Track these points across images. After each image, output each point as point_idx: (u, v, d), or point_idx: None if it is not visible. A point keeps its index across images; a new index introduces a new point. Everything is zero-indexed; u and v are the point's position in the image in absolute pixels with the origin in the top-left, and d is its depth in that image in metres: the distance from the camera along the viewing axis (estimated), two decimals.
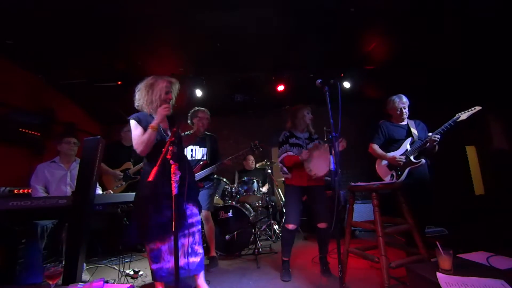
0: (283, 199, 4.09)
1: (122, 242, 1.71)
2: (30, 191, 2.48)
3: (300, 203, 2.34)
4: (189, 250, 1.83)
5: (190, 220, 1.86)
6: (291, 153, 2.35)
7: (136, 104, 1.88)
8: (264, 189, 3.75)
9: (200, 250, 1.89)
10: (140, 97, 1.87)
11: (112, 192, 2.99)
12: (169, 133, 1.89)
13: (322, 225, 2.25)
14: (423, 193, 2.30)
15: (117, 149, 3.48)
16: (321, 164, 2.19)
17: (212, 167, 2.70)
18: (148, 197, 1.73)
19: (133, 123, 1.81)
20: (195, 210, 1.93)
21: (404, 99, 2.47)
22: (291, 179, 2.38)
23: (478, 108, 2.19)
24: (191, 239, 1.86)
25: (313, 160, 2.22)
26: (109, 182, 3.26)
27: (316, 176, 2.20)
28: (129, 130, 3.57)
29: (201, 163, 2.72)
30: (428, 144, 2.24)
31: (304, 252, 3.03)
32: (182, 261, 1.77)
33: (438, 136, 2.21)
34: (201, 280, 1.89)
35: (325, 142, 2.43)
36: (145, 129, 1.77)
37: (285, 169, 2.43)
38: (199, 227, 1.94)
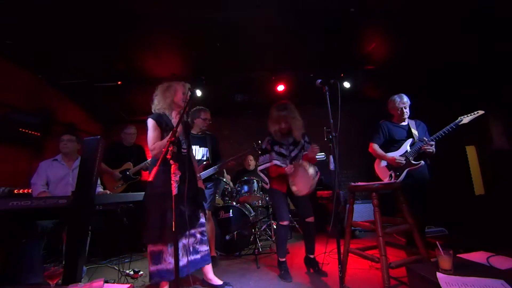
0: None
1: (143, 241, 1.79)
2: (30, 191, 2.48)
3: (286, 201, 2.39)
4: (191, 249, 1.93)
5: (200, 221, 2.01)
6: (278, 162, 2.35)
7: (155, 108, 1.98)
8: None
9: (203, 248, 2.00)
10: (159, 101, 1.97)
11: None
12: (183, 137, 2.00)
13: (310, 219, 2.31)
14: (422, 194, 2.31)
15: (118, 149, 3.48)
16: (303, 182, 2.17)
17: (215, 168, 2.69)
18: (161, 196, 1.78)
19: (152, 123, 1.86)
20: (201, 211, 2.05)
21: (405, 99, 2.47)
22: (274, 185, 2.42)
23: (481, 112, 2.19)
24: (194, 239, 1.96)
25: (297, 177, 2.22)
26: (109, 182, 3.26)
27: (299, 194, 2.20)
28: (131, 133, 3.60)
29: (204, 163, 2.71)
30: (426, 148, 2.26)
31: (304, 252, 3.03)
32: (185, 261, 1.85)
33: (433, 143, 2.23)
34: (209, 273, 2.05)
35: (308, 142, 2.40)
36: (163, 130, 1.86)
37: (266, 179, 2.48)
38: (203, 228, 2.05)
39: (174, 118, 1.99)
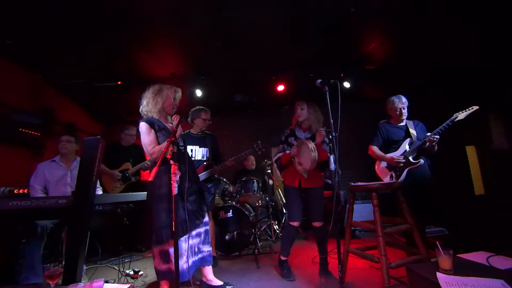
0: (284, 199, 4.09)
1: (151, 241, 1.77)
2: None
3: (300, 200, 2.34)
4: (196, 250, 1.92)
5: (205, 219, 2.00)
6: (288, 152, 2.37)
7: (143, 109, 1.96)
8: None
9: (206, 248, 1.99)
10: (148, 103, 1.95)
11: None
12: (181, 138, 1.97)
13: (316, 224, 2.27)
14: (423, 193, 2.30)
15: (116, 149, 3.48)
16: (305, 158, 2.18)
17: (208, 172, 2.69)
18: (166, 195, 1.79)
19: (145, 126, 1.85)
20: (206, 206, 2.04)
21: (404, 99, 2.47)
22: (286, 180, 2.42)
23: (475, 107, 2.20)
24: (199, 239, 1.95)
25: (301, 155, 2.23)
26: (107, 182, 3.25)
27: (304, 170, 2.20)
28: (131, 134, 3.59)
29: (204, 163, 2.71)
30: (427, 144, 2.25)
31: (304, 252, 3.03)
32: (190, 261, 1.83)
33: (437, 136, 2.21)
34: (209, 274, 2.03)
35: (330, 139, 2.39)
36: (156, 131, 1.85)
37: (278, 171, 2.51)
38: (207, 227, 2.04)
39: (164, 121, 1.99)
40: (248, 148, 2.83)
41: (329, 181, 2.38)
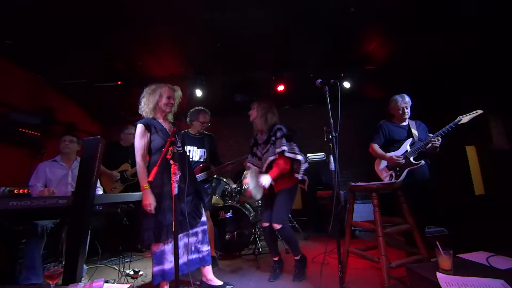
0: None
1: (139, 243, 1.77)
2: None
3: (269, 201, 2.35)
4: (193, 248, 1.93)
5: (202, 219, 2.01)
6: (249, 164, 2.45)
7: (142, 110, 1.97)
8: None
9: (204, 248, 1.99)
10: (144, 103, 1.96)
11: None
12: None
13: (263, 223, 2.29)
14: (423, 193, 2.30)
15: (115, 150, 3.46)
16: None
17: (204, 174, 2.69)
18: (160, 196, 1.80)
19: (140, 129, 1.86)
20: (203, 207, 2.06)
21: (407, 98, 2.47)
22: None
23: (479, 111, 2.18)
24: (196, 238, 1.96)
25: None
26: (106, 183, 3.25)
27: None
28: (131, 133, 3.58)
29: (201, 165, 2.70)
30: (429, 146, 2.24)
31: (303, 252, 3.02)
32: (186, 259, 1.84)
33: (440, 138, 2.21)
34: (209, 273, 2.03)
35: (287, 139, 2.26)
36: (152, 133, 1.87)
37: None
38: (205, 227, 2.04)
39: (162, 121, 1.99)
40: (247, 149, 2.83)
41: (299, 176, 2.27)
